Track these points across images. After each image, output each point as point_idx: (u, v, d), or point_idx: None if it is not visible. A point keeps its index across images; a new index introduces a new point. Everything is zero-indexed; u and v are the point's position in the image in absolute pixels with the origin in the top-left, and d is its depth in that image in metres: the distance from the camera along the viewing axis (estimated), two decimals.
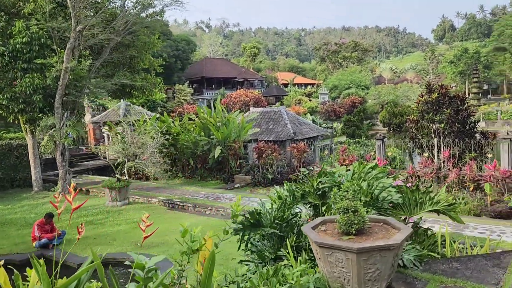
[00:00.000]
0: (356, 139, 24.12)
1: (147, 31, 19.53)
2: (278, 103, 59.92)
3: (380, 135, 17.69)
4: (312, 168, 19.25)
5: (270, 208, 6.29)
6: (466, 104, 17.32)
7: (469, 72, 69.05)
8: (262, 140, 22.04)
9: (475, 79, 62.02)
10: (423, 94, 17.87)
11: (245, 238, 5.91)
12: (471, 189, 14.68)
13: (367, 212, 5.48)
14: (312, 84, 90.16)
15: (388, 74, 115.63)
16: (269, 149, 19.93)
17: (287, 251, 5.17)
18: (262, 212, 6.05)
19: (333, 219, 4.40)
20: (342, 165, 17.41)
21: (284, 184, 6.70)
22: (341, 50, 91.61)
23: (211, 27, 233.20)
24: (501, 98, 68.59)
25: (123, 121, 18.36)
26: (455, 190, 15.20)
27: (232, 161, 21.56)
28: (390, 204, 5.81)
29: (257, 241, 5.88)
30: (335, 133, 33.11)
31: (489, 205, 13.02)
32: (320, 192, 6.17)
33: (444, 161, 16.11)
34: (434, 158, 16.76)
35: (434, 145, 17.15)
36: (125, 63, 19.94)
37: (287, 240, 5.25)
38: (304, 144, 19.75)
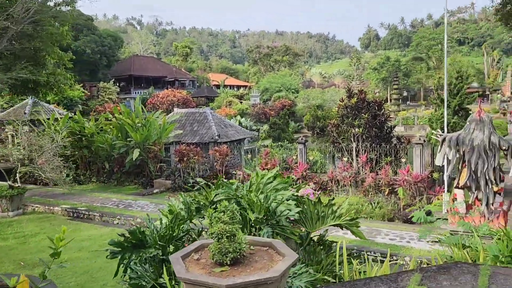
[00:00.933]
0: (279, 143, 24.00)
1: (54, 21, 17.67)
2: (211, 104, 59.00)
3: (302, 138, 17.56)
4: (235, 172, 18.65)
5: (160, 224, 5.48)
6: (383, 110, 17.72)
7: (391, 79, 73.05)
8: (185, 143, 21.05)
9: (396, 86, 65.71)
10: (343, 98, 18.03)
11: (125, 261, 5.03)
12: (386, 193, 14.92)
13: (259, 230, 4.86)
14: (245, 86, 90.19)
15: (318, 78, 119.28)
16: (191, 152, 19.01)
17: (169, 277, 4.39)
18: (149, 229, 5.22)
19: (212, 243, 3.70)
20: (263, 169, 17.04)
21: (180, 195, 5.92)
22: (273, 53, 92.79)
23: (143, 24, 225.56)
24: (418, 104, 73.48)
25: (26, 120, 16.42)
26: (371, 194, 15.39)
27: (152, 164, 20.31)
28: (291, 219, 5.27)
29: (138, 266, 5.01)
30: (261, 135, 32.98)
31: (401, 209, 13.24)
32: (215, 205, 5.45)
33: (362, 165, 16.29)
34: (353, 162, 16.92)
35: (353, 149, 17.34)
36: (28, 55, 17.88)
37: (165, 266, 4.46)
38: (227, 147, 19.09)
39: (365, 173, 15.80)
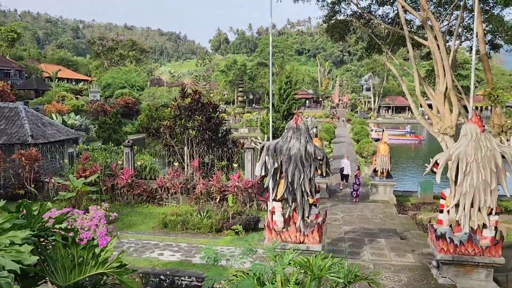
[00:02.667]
0: (102, 145, 21.48)
1: None
2: (40, 99, 51.47)
3: (128, 141, 15.63)
4: (48, 181, 15.64)
5: None
6: (218, 112, 16.98)
7: (237, 82, 75.26)
8: None
9: (241, 89, 67.91)
10: (176, 98, 16.72)
11: None
12: (217, 200, 14.11)
13: None
14: (85, 81, 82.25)
15: (167, 77, 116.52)
16: None
17: None
18: None
19: None
20: (80, 176, 14.56)
21: None
22: (118, 48, 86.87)
23: None
24: (262, 107, 77.33)
25: None
26: (203, 201, 14.41)
27: None
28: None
29: None
30: (93, 136, 29.62)
31: (231, 218, 12.50)
32: None
33: (193, 171, 15.21)
34: (185, 167, 15.73)
35: (186, 154, 16.16)
36: None
37: None
38: (37, 150, 15.91)
39: (197, 180, 14.75)
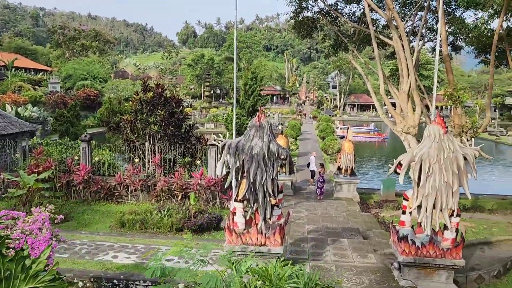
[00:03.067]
0: (57, 140, 20.45)
1: None
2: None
3: (86, 135, 14.87)
4: None
5: None
6: (181, 107, 16.46)
7: (204, 76, 74.29)
8: None
9: (208, 83, 67.09)
10: (138, 92, 16.07)
11: None
12: (179, 198, 13.66)
13: None
14: (45, 71, 78.79)
15: (132, 69, 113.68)
16: None
17: None
18: None
19: None
20: (32, 172, 13.71)
21: None
22: (81, 38, 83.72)
23: None
24: (228, 103, 76.79)
25: None
26: (164, 199, 13.93)
27: None
28: None
29: None
30: (51, 128, 28.28)
31: (192, 217, 12.09)
32: None
33: (154, 167, 14.67)
34: (146, 163, 15.16)
35: (147, 150, 15.57)
36: None
37: None
38: None
39: (158, 177, 14.22)
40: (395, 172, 6.90)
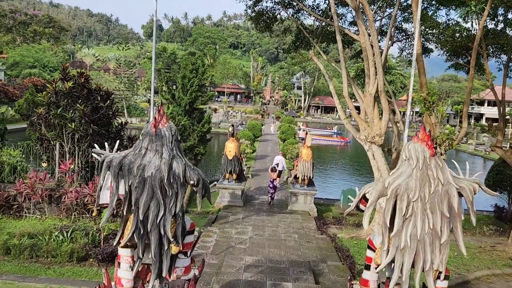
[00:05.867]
0: None
1: None
2: None
3: None
4: None
5: None
6: (111, 101, 13.74)
7: (164, 70, 71.00)
8: None
9: (166, 78, 63.93)
10: (56, 80, 13.24)
11: None
12: (94, 214, 10.97)
13: None
14: None
15: (91, 60, 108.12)
16: None
17: None
18: None
19: None
20: None
21: None
22: (32, 23, 78.16)
23: None
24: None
25: None
26: (75, 215, 11.25)
27: None
28: None
29: None
30: None
31: (103, 241, 9.48)
32: None
33: (65, 174, 11.89)
34: (55, 169, 12.36)
35: (64, 151, 12.78)
36: None
37: None
38: None
39: (69, 187, 11.47)
40: (358, 208, 4.73)
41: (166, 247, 4.52)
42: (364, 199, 4.60)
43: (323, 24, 16.81)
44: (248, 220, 14.20)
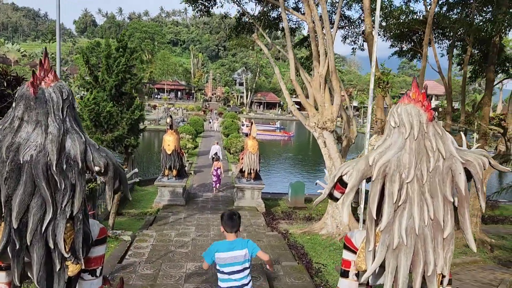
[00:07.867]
0: None
1: None
2: None
3: None
4: None
5: None
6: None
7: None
8: None
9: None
10: None
11: None
12: None
13: None
14: None
15: (16, 56, 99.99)
16: None
17: None
18: None
19: None
20: None
21: None
22: None
23: None
24: None
25: None
26: None
27: None
28: None
29: None
30: None
31: None
32: None
33: None
34: None
35: None
36: None
37: None
38: None
39: None
40: (331, 197, 3.53)
41: (58, 267, 3.02)
42: (341, 183, 3.40)
43: (265, 9, 15.76)
44: (190, 220, 12.77)
